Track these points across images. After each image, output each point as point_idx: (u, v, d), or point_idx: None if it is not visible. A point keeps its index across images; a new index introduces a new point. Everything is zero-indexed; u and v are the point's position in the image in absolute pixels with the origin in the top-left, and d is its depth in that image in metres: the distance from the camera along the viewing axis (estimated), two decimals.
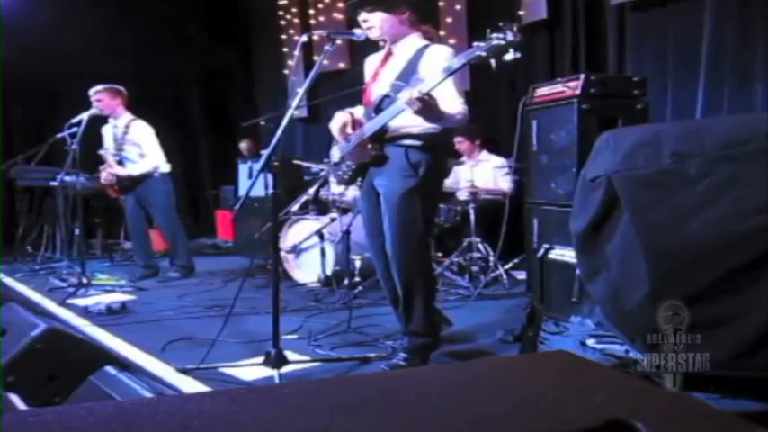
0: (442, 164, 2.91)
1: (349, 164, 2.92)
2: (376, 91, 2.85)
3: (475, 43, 2.42)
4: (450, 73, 2.48)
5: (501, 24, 2.35)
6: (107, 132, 5.27)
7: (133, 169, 5.11)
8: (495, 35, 2.35)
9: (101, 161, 5.26)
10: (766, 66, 3.95)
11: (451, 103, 2.65)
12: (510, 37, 2.34)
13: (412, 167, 2.70)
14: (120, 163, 5.13)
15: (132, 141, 5.13)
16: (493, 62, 2.40)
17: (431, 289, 2.87)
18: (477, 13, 5.75)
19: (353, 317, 3.66)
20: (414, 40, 2.82)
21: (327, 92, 6.20)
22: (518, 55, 2.38)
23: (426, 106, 2.49)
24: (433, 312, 2.88)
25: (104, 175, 5.16)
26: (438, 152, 2.80)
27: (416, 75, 2.68)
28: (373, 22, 2.77)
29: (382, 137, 2.75)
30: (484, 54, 2.37)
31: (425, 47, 2.77)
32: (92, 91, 5.05)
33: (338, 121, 2.94)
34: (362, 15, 2.79)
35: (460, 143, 5.31)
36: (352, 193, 4.93)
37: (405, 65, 2.76)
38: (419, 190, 2.71)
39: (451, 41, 5.67)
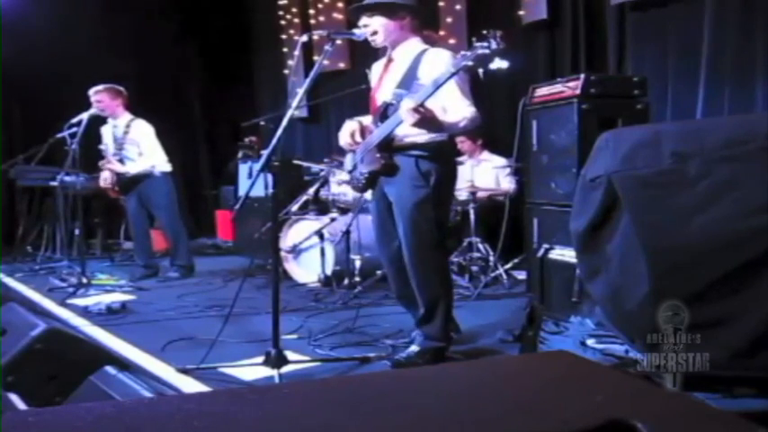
0: (452, 170, 2.91)
1: (362, 171, 2.93)
2: (380, 99, 2.86)
3: (461, 52, 2.45)
4: (439, 85, 2.49)
5: (485, 32, 2.37)
6: (106, 132, 5.27)
7: (132, 167, 5.11)
8: (479, 44, 2.37)
9: (101, 159, 5.26)
10: (766, 65, 3.95)
11: (458, 107, 2.66)
12: (494, 45, 2.35)
13: (423, 177, 2.73)
14: (121, 162, 5.13)
15: (132, 140, 5.13)
16: (480, 71, 2.42)
17: (450, 294, 2.89)
18: (477, 13, 5.75)
19: (353, 317, 3.67)
20: (412, 45, 2.82)
21: (327, 92, 6.20)
22: (504, 65, 2.39)
23: (423, 119, 2.52)
24: (449, 313, 2.90)
25: (104, 175, 5.15)
26: (447, 159, 2.83)
27: (416, 80, 2.70)
28: (374, 27, 2.78)
29: (391, 145, 2.77)
30: (471, 63, 2.39)
31: (423, 51, 2.77)
32: (91, 91, 5.04)
33: (346, 129, 2.95)
34: (363, 20, 2.80)
35: (462, 143, 5.31)
36: (353, 192, 4.94)
37: (404, 71, 2.77)
38: (431, 199, 2.74)
39: (451, 41, 5.68)
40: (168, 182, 5.25)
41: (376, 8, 2.77)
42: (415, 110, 2.49)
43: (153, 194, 5.18)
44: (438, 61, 2.68)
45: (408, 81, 2.73)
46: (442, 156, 2.77)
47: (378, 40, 2.82)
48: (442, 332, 2.83)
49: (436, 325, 2.81)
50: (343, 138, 2.94)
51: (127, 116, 5.19)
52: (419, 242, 2.76)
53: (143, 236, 5.33)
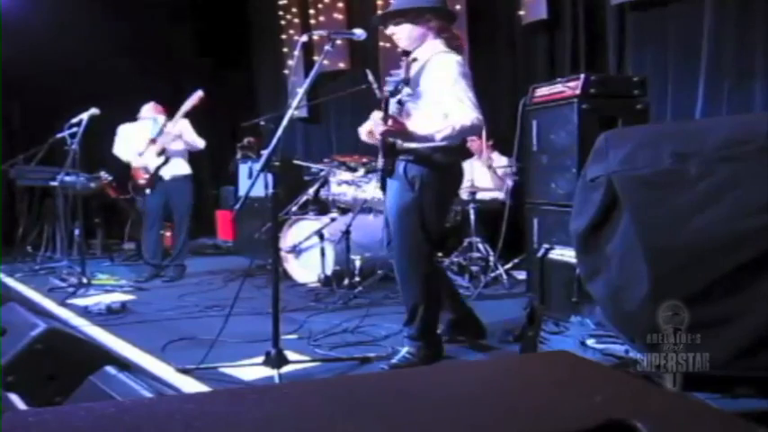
0: (444, 177, 2.85)
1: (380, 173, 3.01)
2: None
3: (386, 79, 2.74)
4: (396, 96, 2.71)
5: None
6: (138, 131, 5.29)
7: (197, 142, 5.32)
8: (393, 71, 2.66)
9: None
10: (766, 65, 3.95)
11: (454, 113, 2.67)
12: (403, 74, 2.66)
13: (408, 182, 2.77)
14: (168, 159, 5.22)
15: (175, 135, 5.24)
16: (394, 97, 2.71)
17: (431, 298, 2.87)
18: (478, 13, 5.75)
19: (353, 317, 3.67)
20: (428, 50, 2.83)
21: (327, 92, 6.21)
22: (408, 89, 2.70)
23: (389, 131, 2.65)
24: (432, 319, 2.89)
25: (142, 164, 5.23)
26: (439, 166, 2.80)
27: (417, 87, 2.76)
28: (401, 35, 2.83)
29: (393, 150, 2.80)
30: (392, 88, 2.66)
31: (431, 57, 2.79)
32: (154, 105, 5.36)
33: (366, 127, 2.98)
34: (390, 29, 2.85)
35: (472, 141, 5.27)
36: (353, 192, 4.95)
37: (411, 77, 2.80)
38: (416, 204, 2.76)
39: None
40: (191, 184, 5.34)
41: (402, 14, 2.82)
42: (383, 121, 2.61)
43: (178, 195, 5.25)
44: (437, 68, 2.72)
45: (411, 87, 2.77)
46: (431, 162, 2.77)
47: (402, 45, 2.87)
48: (422, 333, 2.84)
49: (415, 327, 2.84)
50: (362, 135, 2.98)
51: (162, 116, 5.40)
52: (402, 245, 2.82)
53: (160, 235, 5.35)
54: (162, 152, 5.18)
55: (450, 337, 3.15)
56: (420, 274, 2.82)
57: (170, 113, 5.37)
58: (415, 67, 2.81)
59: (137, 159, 5.25)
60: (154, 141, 5.21)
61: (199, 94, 5.22)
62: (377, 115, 2.65)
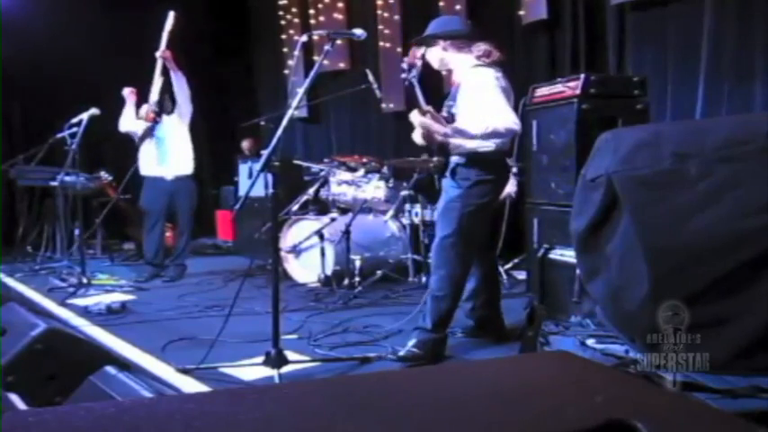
0: (488, 182, 2.97)
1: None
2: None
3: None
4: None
5: None
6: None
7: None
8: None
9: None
10: (766, 65, 3.95)
11: (491, 115, 2.81)
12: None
13: (456, 182, 2.95)
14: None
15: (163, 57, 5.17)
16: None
17: (452, 297, 2.95)
18: (478, 13, 5.75)
19: (353, 317, 3.67)
20: (463, 67, 3.01)
21: (327, 92, 6.20)
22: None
23: (424, 135, 2.86)
24: (446, 317, 2.96)
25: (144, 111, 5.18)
26: (483, 169, 2.93)
27: (455, 101, 2.97)
28: (429, 59, 3.11)
29: (445, 149, 2.99)
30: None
31: (466, 74, 2.97)
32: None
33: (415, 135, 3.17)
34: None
35: None
36: (353, 192, 4.95)
37: (452, 92, 3.03)
38: (458, 203, 2.92)
39: None
40: (194, 184, 5.32)
41: (422, 42, 3.10)
42: (421, 124, 2.81)
43: (185, 196, 5.23)
44: (471, 81, 2.91)
45: (453, 98, 2.99)
46: (477, 165, 2.92)
47: (435, 67, 3.14)
48: (434, 327, 2.92)
49: (430, 319, 2.92)
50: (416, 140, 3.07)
51: None
52: (438, 241, 2.96)
53: (163, 234, 5.34)
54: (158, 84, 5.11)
55: (470, 334, 3.26)
56: (447, 271, 2.92)
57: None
58: (456, 80, 3.02)
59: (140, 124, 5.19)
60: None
61: (171, 15, 5.02)
62: (414, 114, 2.84)
